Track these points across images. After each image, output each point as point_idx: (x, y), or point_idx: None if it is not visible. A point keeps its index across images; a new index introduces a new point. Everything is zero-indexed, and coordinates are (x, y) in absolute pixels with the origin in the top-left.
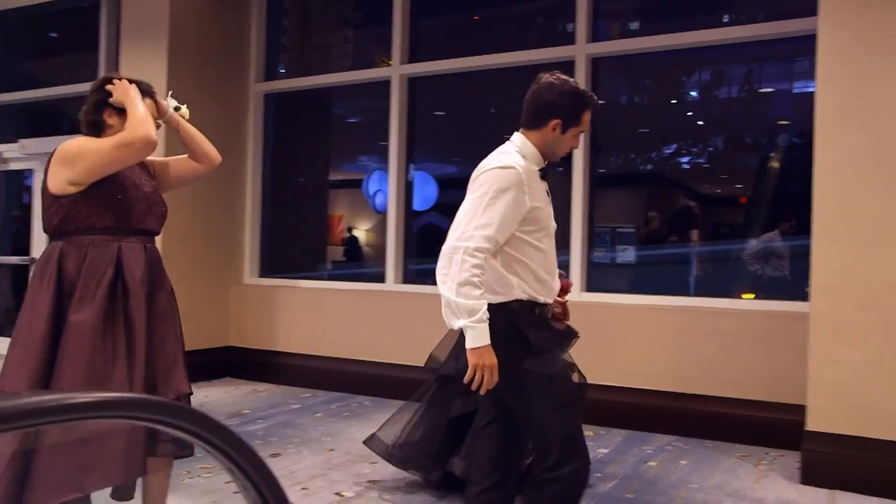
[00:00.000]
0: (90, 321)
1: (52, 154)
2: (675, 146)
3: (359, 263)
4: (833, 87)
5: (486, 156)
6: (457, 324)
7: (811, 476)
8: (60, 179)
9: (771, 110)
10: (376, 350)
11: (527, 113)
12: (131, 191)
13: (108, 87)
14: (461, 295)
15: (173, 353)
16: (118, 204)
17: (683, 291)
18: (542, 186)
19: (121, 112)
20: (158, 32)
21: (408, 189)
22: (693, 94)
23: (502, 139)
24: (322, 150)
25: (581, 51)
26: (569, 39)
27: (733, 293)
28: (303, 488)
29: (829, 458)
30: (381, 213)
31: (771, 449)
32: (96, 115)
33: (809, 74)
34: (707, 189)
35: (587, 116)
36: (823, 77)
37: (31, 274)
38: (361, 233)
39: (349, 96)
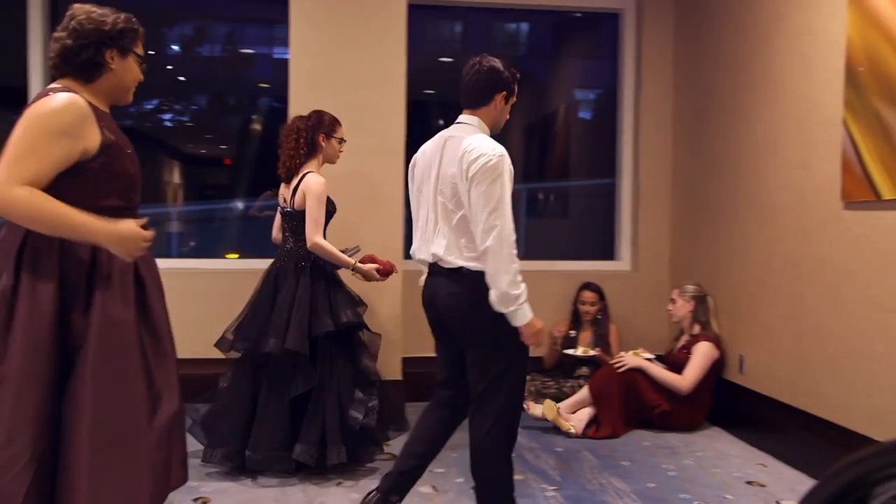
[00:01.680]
0: (132, 318)
1: (28, 106)
2: (156, 101)
3: None
4: (304, 53)
5: None
6: (508, 309)
7: None
8: None
9: (253, 73)
10: None
11: (472, 94)
12: (136, 162)
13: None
14: (515, 286)
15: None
16: (129, 180)
17: (165, 253)
18: None
19: (126, 54)
20: None
21: None
22: (175, 47)
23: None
24: None
25: None
26: None
27: (219, 253)
28: None
29: None
30: None
31: None
32: (96, 51)
33: (286, 41)
34: (191, 149)
35: (516, 86)
36: (296, 43)
37: None
38: None
39: None
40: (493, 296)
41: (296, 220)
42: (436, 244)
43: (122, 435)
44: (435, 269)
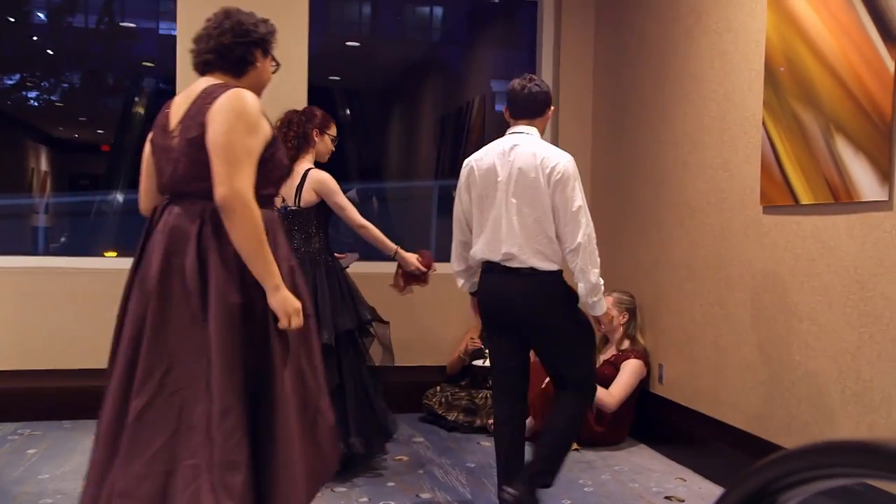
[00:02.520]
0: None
1: (213, 98)
2: (17, 77)
3: None
4: (194, 29)
5: None
6: (593, 299)
7: None
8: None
9: (135, 49)
10: None
11: (533, 107)
12: (286, 152)
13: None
14: (599, 278)
15: None
16: (284, 170)
17: (28, 250)
18: None
19: (266, 55)
20: None
21: None
22: (41, 15)
23: None
24: None
25: None
26: None
27: (95, 251)
28: None
29: None
30: None
31: None
32: (248, 50)
33: (174, 15)
34: (62, 132)
35: None
36: (184, 17)
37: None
38: None
39: None
40: (583, 288)
41: (303, 217)
42: (507, 244)
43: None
44: (500, 268)
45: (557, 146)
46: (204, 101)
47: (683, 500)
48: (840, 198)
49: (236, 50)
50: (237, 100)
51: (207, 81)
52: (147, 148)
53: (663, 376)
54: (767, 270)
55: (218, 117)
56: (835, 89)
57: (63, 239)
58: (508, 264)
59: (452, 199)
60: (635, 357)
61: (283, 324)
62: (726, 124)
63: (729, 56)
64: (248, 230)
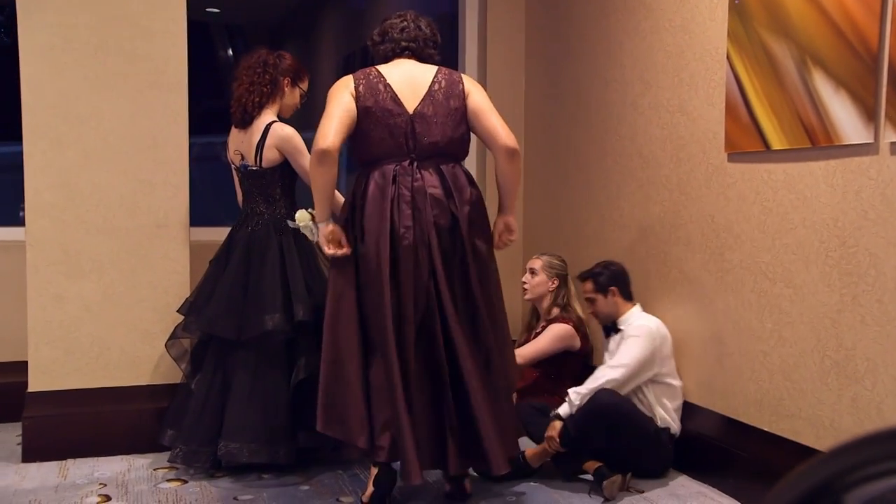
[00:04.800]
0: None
1: (458, 78)
2: None
3: None
4: None
5: None
6: None
7: (36, 450)
8: None
9: None
10: None
11: None
12: None
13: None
14: None
15: None
16: None
17: None
18: None
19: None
20: None
21: None
22: None
23: None
24: None
25: None
26: None
27: None
28: None
29: (56, 423)
30: None
31: None
32: (435, 47)
33: None
34: None
35: None
36: None
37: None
38: None
39: None
40: None
41: (265, 179)
42: None
43: None
44: None
45: (486, 87)
46: (450, 78)
47: (643, 492)
48: (818, 141)
49: (430, 46)
50: (475, 81)
51: (417, 63)
52: (350, 102)
53: None
54: (733, 227)
55: (477, 92)
56: (812, 15)
57: None
58: None
59: None
60: (562, 322)
61: (510, 239)
62: (684, 60)
63: None
64: (520, 169)
